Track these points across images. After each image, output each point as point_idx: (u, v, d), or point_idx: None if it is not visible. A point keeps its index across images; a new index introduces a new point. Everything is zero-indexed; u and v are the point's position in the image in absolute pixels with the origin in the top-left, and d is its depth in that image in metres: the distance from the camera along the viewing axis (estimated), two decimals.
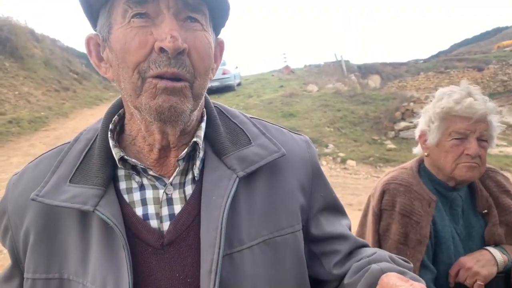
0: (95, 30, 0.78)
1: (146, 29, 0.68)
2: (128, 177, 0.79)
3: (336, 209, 0.94)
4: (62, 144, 0.86)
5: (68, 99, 14.72)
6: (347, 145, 10.77)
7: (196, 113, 0.79)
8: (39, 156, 0.87)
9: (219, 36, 0.84)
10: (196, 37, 0.70)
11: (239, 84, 19.27)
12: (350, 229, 0.95)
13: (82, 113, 13.05)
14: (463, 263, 1.41)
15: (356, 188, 7.94)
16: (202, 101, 0.81)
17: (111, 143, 0.78)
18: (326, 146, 10.48)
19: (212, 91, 17.27)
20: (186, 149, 0.77)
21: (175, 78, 0.69)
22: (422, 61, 29.03)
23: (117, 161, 0.77)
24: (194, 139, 0.78)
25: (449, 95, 1.47)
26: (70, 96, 15.02)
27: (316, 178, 0.90)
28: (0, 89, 12.56)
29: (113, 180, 0.79)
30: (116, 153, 0.77)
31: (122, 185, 0.79)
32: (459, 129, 1.43)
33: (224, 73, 17.26)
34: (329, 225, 0.89)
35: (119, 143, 0.81)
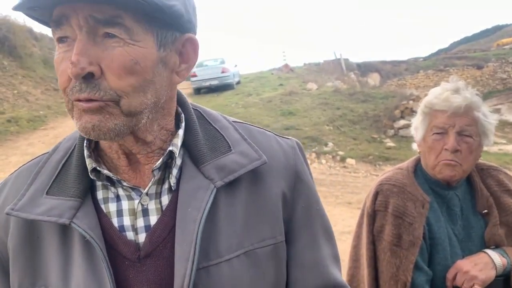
0: None
1: (67, 54, 0.66)
2: (105, 187, 0.77)
3: (321, 228, 0.87)
4: (42, 155, 0.84)
5: None
6: (347, 143, 10.77)
7: (158, 122, 0.76)
8: (19, 168, 0.85)
9: (188, 33, 0.76)
10: (113, 55, 0.65)
11: (238, 83, 19.27)
12: (335, 257, 0.87)
13: None
14: (461, 266, 1.39)
15: (356, 187, 7.94)
16: (170, 108, 0.78)
17: (85, 152, 0.76)
18: (326, 145, 10.48)
19: (211, 90, 17.28)
20: (161, 159, 0.75)
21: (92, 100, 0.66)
22: (421, 59, 29.05)
23: (89, 172, 0.74)
24: (170, 148, 0.75)
25: (434, 91, 1.48)
26: None
27: (300, 187, 0.84)
28: None
29: (92, 189, 0.77)
30: (88, 163, 0.75)
31: (99, 194, 0.77)
32: (438, 123, 1.43)
33: (223, 72, 17.27)
34: (307, 248, 0.83)
35: (98, 151, 0.79)
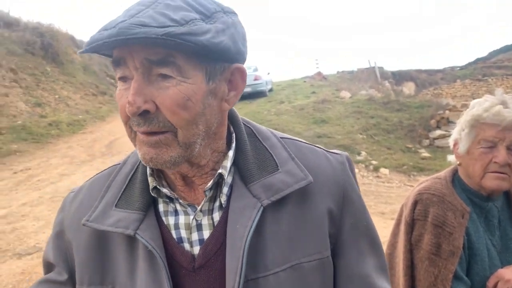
0: None
1: (125, 92, 0.72)
2: (165, 201, 0.84)
3: (368, 242, 0.89)
4: (113, 165, 0.93)
5: (105, 103, 15.17)
6: (380, 152, 10.62)
7: (211, 147, 0.81)
8: (94, 176, 0.94)
9: (236, 63, 0.79)
10: (167, 94, 0.70)
11: (270, 90, 19.34)
12: (382, 268, 0.90)
13: (118, 117, 13.32)
14: (502, 275, 1.39)
15: (389, 197, 7.82)
16: (221, 133, 0.82)
17: (148, 171, 0.84)
18: (359, 154, 10.36)
19: (244, 97, 17.37)
20: (211, 181, 0.80)
21: (151, 133, 0.72)
22: (458, 68, 28.31)
23: (150, 190, 0.82)
24: (220, 171, 0.80)
25: (480, 104, 1.46)
26: (107, 100, 15.48)
27: (348, 203, 0.86)
28: (41, 92, 13.08)
29: (154, 202, 0.84)
30: (150, 182, 0.82)
31: (161, 207, 0.84)
32: (487, 136, 1.42)
33: (256, 79, 17.36)
34: (354, 262, 0.86)
35: (159, 169, 0.85)
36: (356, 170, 9.32)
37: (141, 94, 0.69)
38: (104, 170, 0.94)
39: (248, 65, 18.70)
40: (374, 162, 9.90)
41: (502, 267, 1.43)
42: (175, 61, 0.69)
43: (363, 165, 9.78)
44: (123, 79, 0.73)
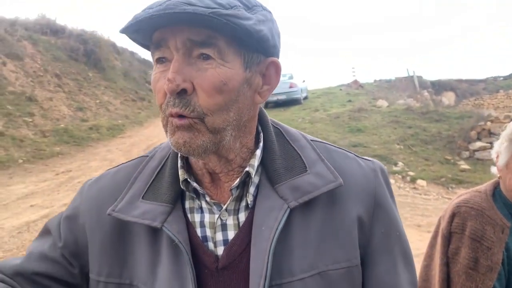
0: None
1: (164, 74, 0.72)
2: (191, 197, 0.83)
3: (400, 253, 0.85)
4: (140, 157, 0.92)
5: (144, 108, 15.57)
6: (418, 163, 10.38)
7: (240, 140, 0.80)
8: (119, 165, 0.93)
9: (272, 57, 0.80)
10: (205, 76, 0.71)
11: (305, 98, 19.29)
12: (413, 283, 0.86)
13: (155, 122, 13.71)
14: None
15: (426, 209, 7.63)
16: (251, 127, 0.82)
17: (179, 163, 0.82)
18: (395, 164, 10.17)
19: (279, 104, 17.42)
20: (238, 179, 0.78)
21: (182, 116, 0.72)
22: (501, 78, 27.35)
23: (180, 183, 0.80)
24: (247, 169, 0.79)
25: None
26: (145, 106, 15.88)
27: (379, 211, 0.83)
28: (83, 97, 13.58)
29: (181, 197, 0.83)
30: (181, 174, 0.81)
31: (187, 204, 0.82)
32: None
33: (291, 87, 17.37)
34: (385, 273, 0.82)
35: (188, 165, 0.84)
36: (393, 181, 9.25)
37: (181, 73, 0.70)
38: (131, 160, 0.93)
39: (284, 73, 18.76)
40: (411, 173, 9.69)
41: None
42: (217, 42, 0.70)
43: (400, 176, 9.58)
44: (162, 60, 0.74)
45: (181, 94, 0.71)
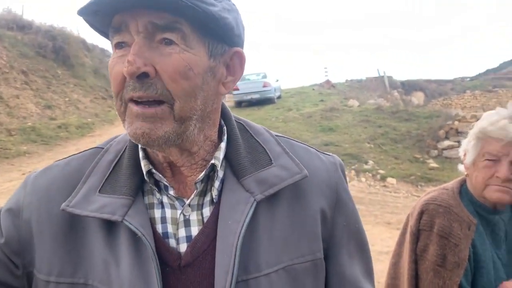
0: None
1: (123, 58, 0.69)
2: (151, 192, 0.79)
3: (358, 245, 0.88)
4: (94, 148, 0.87)
5: (114, 106, 15.25)
6: (388, 162, 10.56)
7: (204, 133, 0.78)
8: (69, 157, 0.87)
9: (236, 47, 0.79)
10: (168, 60, 0.68)
11: (279, 97, 19.35)
12: (369, 272, 0.89)
13: None
14: (506, 287, 1.39)
15: (396, 207, 7.76)
16: (215, 119, 0.80)
17: (140, 154, 0.79)
18: (366, 163, 10.32)
19: (252, 104, 17.42)
20: (204, 172, 0.76)
21: (148, 102, 0.68)
22: (469, 79, 28.21)
23: (144, 174, 0.77)
24: (212, 161, 0.77)
25: (489, 116, 1.46)
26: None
27: (340, 205, 0.84)
28: (52, 95, 13.22)
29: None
30: (144, 165, 0.77)
31: (146, 200, 0.78)
32: (491, 150, 1.41)
33: (264, 86, 17.39)
34: (346, 265, 0.84)
35: (148, 159, 0.80)
36: (363, 179, 9.38)
37: (142, 57, 0.67)
38: (82, 151, 0.87)
39: (257, 72, 18.80)
40: (381, 171, 9.85)
41: (507, 280, 1.42)
42: (181, 27, 0.68)
43: (370, 174, 9.73)
44: (121, 45, 0.70)
45: (142, 77, 0.67)
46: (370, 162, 10.38)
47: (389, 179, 9.47)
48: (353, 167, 9.96)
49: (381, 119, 13.59)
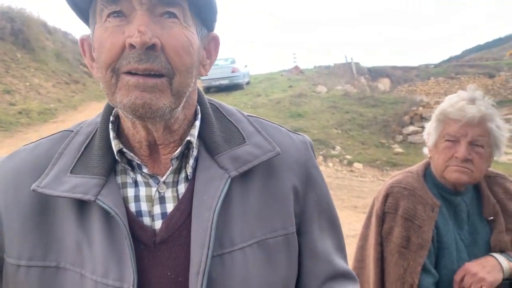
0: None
1: (119, 28, 0.68)
2: (124, 172, 0.79)
3: (329, 220, 0.91)
4: (62, 131, 0.86)
5: (78, 92, 14.82)
6: (354, 147, 10.75)
7: (184, 112, 0.79)
8: (36, 141, 0.86)
9: (213, 32, 0.82)
10: (172, 33, 0.69)
11: (248, 83, 19.30)
12: (341, 247, 0.92)
13: (90, 106, 13.13)
14: (469, 269, 1.41)
15: (362, 191, 7.93)
16: (193, 99, 0.81)
17: (111, 134, 0.78)
18: (333, 148, 10.47)
19: (221, 89, 17.31)
20: (179, 148, 0.77)
21: (149, 74, 0.68)
22: (432, 66, 28.89)
23: (115, 153, 0.76)
24: (188, 138, 0.78)
25: (450, 99, 1.49)
26: (79, 89, 15.13)
27: (311, 182, 0.87)
28: (11, 79, 12.68)
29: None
30: (115, 144, 0.77)
31: (118, 179, 0.78)
32: (450, 131, 1.44)
33: (233, 71, 17.30)
34: (317, 239, 0.87)
35: (120, 139, 0.80)
36: (330, 164, 9.51)
37: (150, 28, 0.66)
38: (50, 135, 0.86)
39: (226, 58, 18.65)
40: (348, 156, 10.02)
41: (469, 261, 1.45)
42: (182, 3, 0.70)
43: (337, 160, 9.88)
44: (117, 14, 0.68)
45: (150, 49, 0.67)
46: (338, 147, 10.53)
47: (356, 164, 9.65)
48: (321, 152, 10.08)
49: (348, 105, 13.79)
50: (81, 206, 0.74)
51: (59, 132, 0.86)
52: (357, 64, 24.13)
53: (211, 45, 0.82)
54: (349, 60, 24.00)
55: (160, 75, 0.68)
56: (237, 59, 18.61)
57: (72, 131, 0.84)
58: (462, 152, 1.41)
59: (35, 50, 14.88)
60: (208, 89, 17.49)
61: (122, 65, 0.68)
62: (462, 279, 1.42)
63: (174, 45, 0.68)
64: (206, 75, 0.81)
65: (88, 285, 0.71)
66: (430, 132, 1.54)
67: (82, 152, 0.79)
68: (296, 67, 24.28)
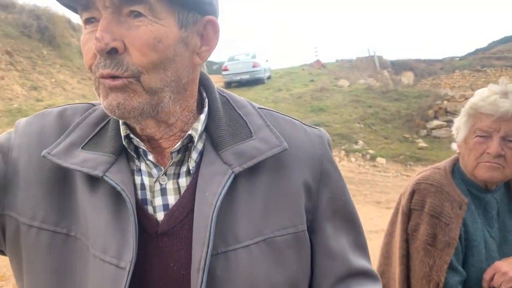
0: None
1: (92, 34, 0.68)
2: (131, 159, 0.79)
3: (346, 217, 0.88)
4: (88, 103, 0.86)
5: None
6: (377, 142, 10.63)
7: (180, 104, 0.77)
8: (61, 106, 0.86)
9: (208, 15, 0.77)
10: (136, 33, 0.67)
11: (268, 78, 19.26)
12: (360, 244, 0.89)
13: None
14: (499, 267, 1.39)
15: (385, 186, 7.85)
16: (191, 90, 0.79)
17: (121, 120, 0.78)
18: (356, 143, 10.38)
19: (242, 84, 17.34)
20: (180, 142, 0.76)
21: (115, 76, 0.68)
22: (458, 59, 28.28)
23: (122, 138, 0.76)
24: (189, 132, 0.77)
25: (481, 93, 1.45)
26: None
27: (326, 177, 0.84)
28: (38, 76, 12.99)
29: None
30: (123, 130, 0.77)
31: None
32: (482, 126, 1.40)
33: (254, 66, 17.30)
34: (332, 237, 0.84)
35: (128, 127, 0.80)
36: (353, 159, 9.45)
37: (110, 32, 0.66)
38: (77, 103, 0.87)
39: (247, 52, 18.65)
40: (371, 151, 9.92)
41: (500, 259, 1.42)
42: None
43: (360, 154, 9.80)
44: (91, 21, 0.69)
45: (112, 53, 0.66)
46: (360, 142, 10.44)
47: (379, 159, 9.55)
48: (343, 147, 10.01)
49: (371, 99, 13.62)
50: (91, 180, 0.74)
51: (86, 103, 0.87)
52: (380, 57, 23.81)
53: (208, 30, 0.77)
54: (372, 53, 23.69)
55: (128, 77, 0.68)
56: (258, 54, 18.60)
57: (95, 105, 0.85)
58: (495, 148, 1.37)
59: (60, 47, 15.18)
60: (229, 84, 17.54)
61: (95, 71, 0.69)
62: (492, 278, 1.39)
63: (137, 45, 0.67)
64: (203, 62, 0.78)
65: (90, 258, 0.72)
66: (459, 127, 1.50)
67: (96, 133, 0.79)
68: (318, 61, 24.10)
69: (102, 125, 0.81)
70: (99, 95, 0.71)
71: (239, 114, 0.83)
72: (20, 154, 0.77)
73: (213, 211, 0.71)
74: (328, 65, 24.17)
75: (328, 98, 14.05)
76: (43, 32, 14.67)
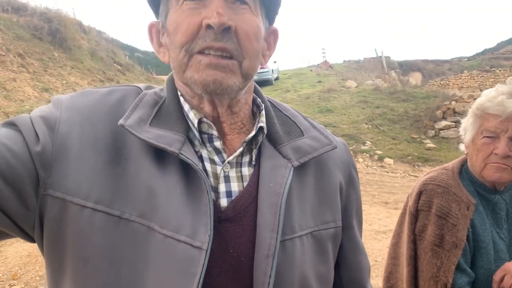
0: (157, 18, 0.82)
1: (195, 10, 0.72)
2: (193, 144, 0.79)
3: (360, 217, 0.98)
4: (133, 86, 0.84)
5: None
6: (385, 142, 10.63)
7: (245, 96, 0.82)
8: (107, 86, 0.82)
9: (273, 26, 0.86)
10: (245, 19, 0.73)
11: (276, 79, 19.31)
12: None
13: None
14: (509, 268, 1.37)
15: (393, 187, 7.86)
16: (252, 86, 0.85)
17: (187, 106, 0.79)
18: (364, 143, 10.38)
19: None
20: (254, 130, 0.80)
21: (222, 56, 0.71)
22: (466, 59, 28.08)
23: (195, 123, 0.77)
24: (261, 124, 0.81)
25: (488, 93, 1.43)
26: None
27: (353, 180, 0.94)
28: (49, 78, 13.14)
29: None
30: (194, 114, 0.78)
31: None
32: (489, 127, 1.39)
33: (262, 67, 17.30)
34: (357, 234, 0.95)
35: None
36: (361, 160, 9.43)
37: (226, 12, 0.71)
38: (123, 85, 0.84)
39: None
40: (378, 152, 9.92)
41: (510, 260, 1.41)
42: None
43: (368, 155, 9.80)
44: None
45: (226, 30, 0.71)
46: (368, 142, 10.44)
47: (387, 160, 9.55)
48: (351, 148, 10.02)
49: (379, 99, 13.61)
50: (159, 156, 0.72)
51: (128, 85, 0.84)
52: (387, 58, 23.74)
53: (270, 38, 0.86)
54: (379, 54, 23.63)
55: (231, 57, 0.72)
56: None
57: (142, 90, 0.83)
58: (502, 148, 1.36)
59: (71, 49, 15.33)
60: None
61: (197, 44, 0.71)
62: (502, 279, 1.38)
63: (245, 30, 0.72)
64: (264, 66, 0.85)
65: (154, 240, 0.67)
66: (466, 127, 1.49)
67: (156, 113, 0.77)
68: (325, 62, 24.09)
69: (158, 106, 0.79)
70: (183, 71, 0.74)
71: (287, 116, 0.90)
72: (70, 128, 0.71)
73: (281, 200, 0.75)
74: (335, 66, 24.15)
75: (336, 99, 14.05)
76: (54, 35, 14.83)
